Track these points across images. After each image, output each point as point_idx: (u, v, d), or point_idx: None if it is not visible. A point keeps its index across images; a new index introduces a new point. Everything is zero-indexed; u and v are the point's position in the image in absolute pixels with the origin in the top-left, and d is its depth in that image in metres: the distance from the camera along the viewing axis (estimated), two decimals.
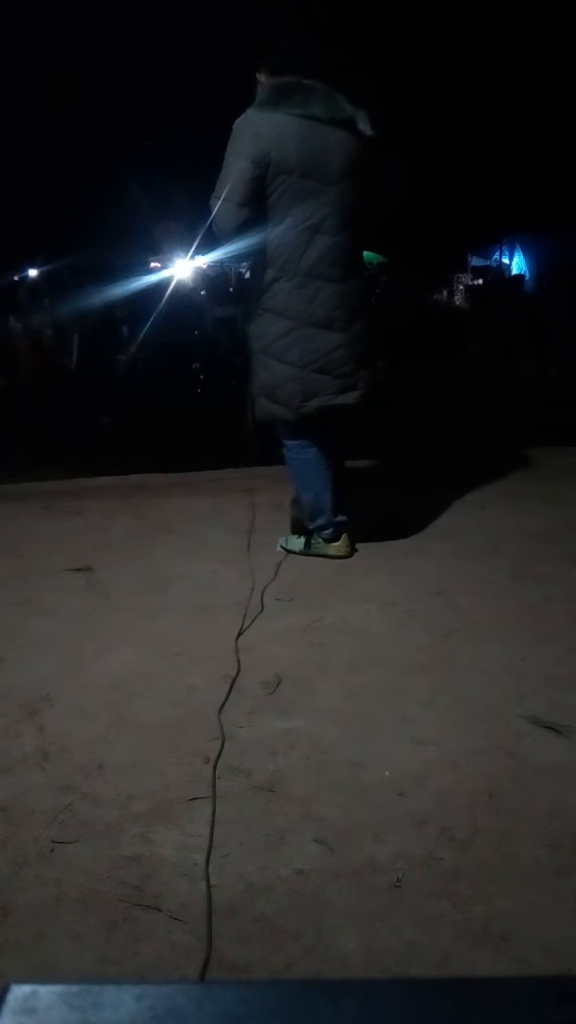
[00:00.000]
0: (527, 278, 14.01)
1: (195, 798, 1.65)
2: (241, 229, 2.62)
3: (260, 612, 2.49)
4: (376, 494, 3.59)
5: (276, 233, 2.64)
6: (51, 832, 1.56)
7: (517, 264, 16.36)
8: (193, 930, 1.33)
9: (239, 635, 2.33)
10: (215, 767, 1.74)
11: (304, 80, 2.60)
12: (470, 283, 16.84)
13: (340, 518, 2.90)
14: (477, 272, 17.41)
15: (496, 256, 17.39)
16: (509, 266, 16.56)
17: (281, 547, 3.01)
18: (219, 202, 2.61)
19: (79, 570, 2.85)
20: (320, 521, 2.90)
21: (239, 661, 2.18)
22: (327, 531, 2.91)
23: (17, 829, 1.58)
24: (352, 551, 2.95)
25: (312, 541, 2.95)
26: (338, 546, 2.91)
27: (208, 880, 1.42)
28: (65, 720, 1.95)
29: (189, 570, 2.85)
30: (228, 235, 2.64)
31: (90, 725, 1.92)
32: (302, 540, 2.97)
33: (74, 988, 0.38)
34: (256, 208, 2.61)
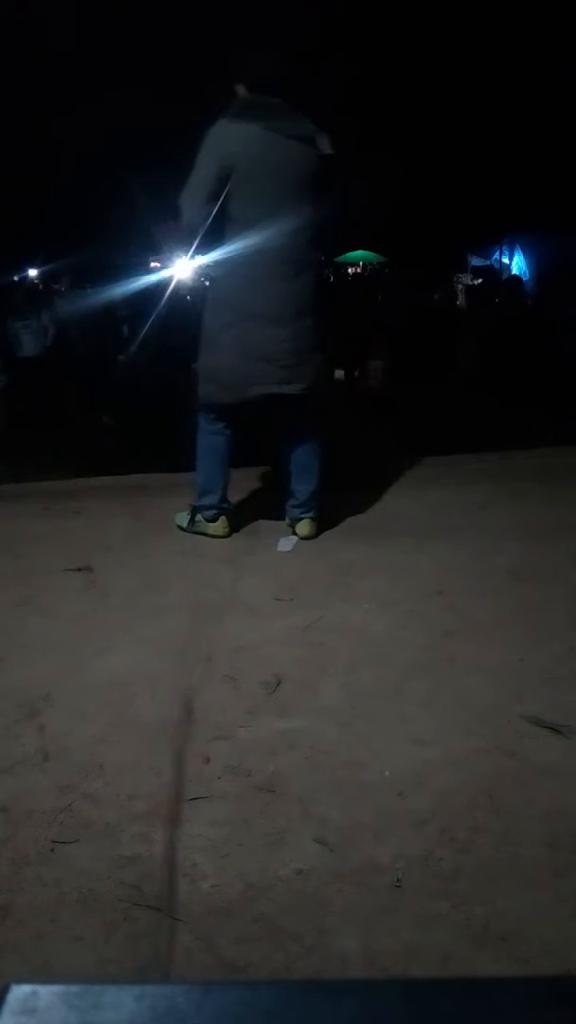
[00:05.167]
0: (525, 279, 13.98)
1: (195, 798, 1.65)
2: (205, 224, 2.86)
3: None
4: (376, 494, 3.59)
5: (234, 231, 2.86)
6: (51, 832, 1.56)
7: (517, 264, 16.34)
8: (193, 930, 1.33)
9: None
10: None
11: (272, 99, 2.86)
12: (470, 283, 16.83)
13: (225, 504, 3.13)
14: (477, 272, 17.40)
15: (496, 256, 17.37)
16: (509, 266, 16.54)
17: (177, 525, 3.18)
18: (187, 199, 2.86)
19: (79, 570, 2.85)
20: (205, 501, 3.11)
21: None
22: (209, 512, 3.11)
23: (17, 829, 1.58)
24: (229, 533, 3.12)
25: (196, 519, 3.13)
26: (216, 527, 3.12)
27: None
28: (65, 720, 1.94)
29: (189, 570, 2.85)
30: (194, 229, 2.88)
31: (90, 725, 1.92)
32: (187, 516, 3.15)
33: (74, 988, 0.38)
34: (217, 206, 2.82)
